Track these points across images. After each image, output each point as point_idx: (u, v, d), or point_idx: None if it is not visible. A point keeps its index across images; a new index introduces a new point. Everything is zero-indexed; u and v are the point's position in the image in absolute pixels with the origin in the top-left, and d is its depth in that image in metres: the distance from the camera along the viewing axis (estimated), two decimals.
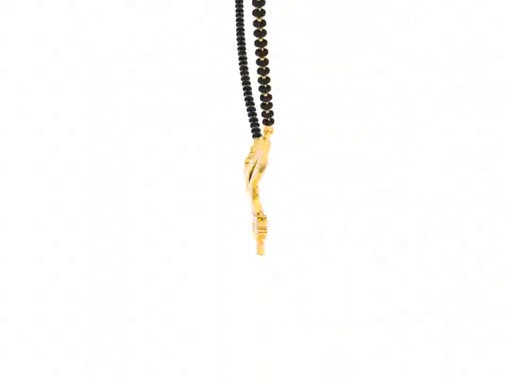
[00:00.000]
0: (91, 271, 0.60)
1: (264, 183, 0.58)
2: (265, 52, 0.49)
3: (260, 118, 0.56)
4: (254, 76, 0.59)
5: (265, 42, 0.49)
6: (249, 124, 0.55)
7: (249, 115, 0.56)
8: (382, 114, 0.63)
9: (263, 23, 0.48)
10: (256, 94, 0.55)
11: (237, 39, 0.57)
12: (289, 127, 0.60)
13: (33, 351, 0.59)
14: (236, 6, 0.58)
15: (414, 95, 0.62)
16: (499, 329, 0.59)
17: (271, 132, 0.53)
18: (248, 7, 0.47)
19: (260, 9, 0.49)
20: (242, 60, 0.57)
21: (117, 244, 0.61)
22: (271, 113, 0.52)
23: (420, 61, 0.62)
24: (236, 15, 0.58)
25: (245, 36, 0.58)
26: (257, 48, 0.49)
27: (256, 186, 0.58)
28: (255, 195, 0.58)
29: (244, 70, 0.57)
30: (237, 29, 0.58)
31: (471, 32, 0.62)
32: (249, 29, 0.54)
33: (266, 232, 0.59)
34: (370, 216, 0.61)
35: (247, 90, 0.56)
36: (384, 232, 0.60)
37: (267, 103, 0.52)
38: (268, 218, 0.59)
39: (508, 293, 0.59)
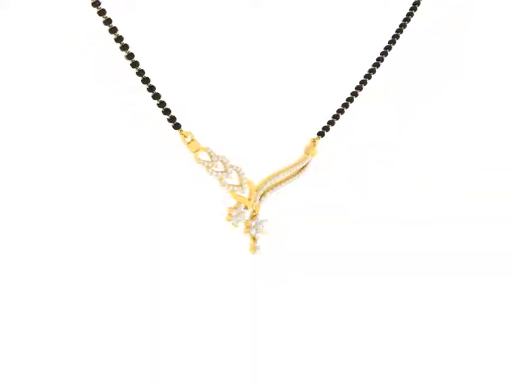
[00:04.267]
0: (80, 271, 0.60)
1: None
2: None
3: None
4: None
5: None
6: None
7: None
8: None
9: None
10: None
11: None
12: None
13: (33, 351, 0.59)
14: None
15: None
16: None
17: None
18: None
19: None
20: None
21: (108, 244, 0.60)
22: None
23: None
24: None
25: None
26: None
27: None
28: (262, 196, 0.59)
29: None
30: None
31: None
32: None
33: (266, 232, 0.59)
34: (367, 211, 0.61)
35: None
36: (382, 230, 0.60)
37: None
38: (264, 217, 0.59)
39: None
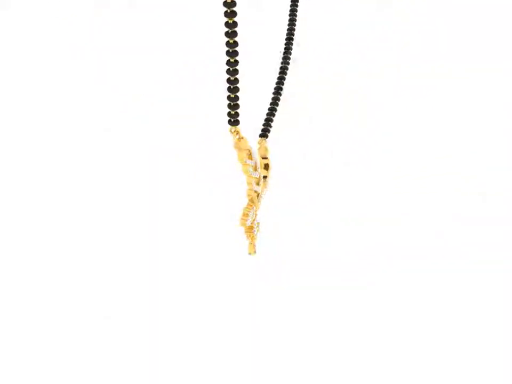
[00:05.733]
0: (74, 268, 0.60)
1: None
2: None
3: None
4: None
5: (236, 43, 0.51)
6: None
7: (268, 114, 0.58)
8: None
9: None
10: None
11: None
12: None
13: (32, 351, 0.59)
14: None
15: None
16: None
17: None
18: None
19: (230, 10, 0.50)
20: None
21: (104, 243, 0.60)
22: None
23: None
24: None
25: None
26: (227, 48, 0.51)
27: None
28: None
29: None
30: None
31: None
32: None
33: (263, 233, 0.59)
34: (358, 211, 0.61)
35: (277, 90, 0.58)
36: (375, 231, 0.61)
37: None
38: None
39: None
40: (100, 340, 0.59)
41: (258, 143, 0.61)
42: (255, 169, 0.58)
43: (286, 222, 0.61)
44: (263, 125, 0.62)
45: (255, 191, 0.58)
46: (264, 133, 0.62)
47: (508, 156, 0.62)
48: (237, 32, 0.53)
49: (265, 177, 0.60)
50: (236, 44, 0.54)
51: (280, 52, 0.63)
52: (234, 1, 0.51)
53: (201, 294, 0.59)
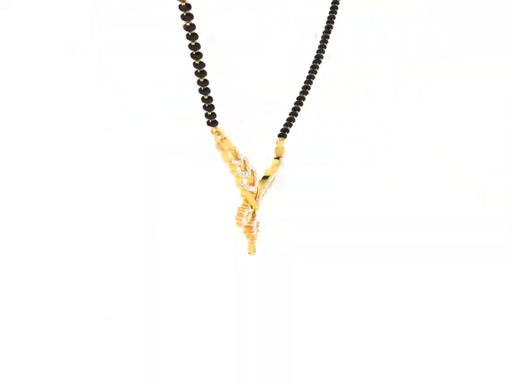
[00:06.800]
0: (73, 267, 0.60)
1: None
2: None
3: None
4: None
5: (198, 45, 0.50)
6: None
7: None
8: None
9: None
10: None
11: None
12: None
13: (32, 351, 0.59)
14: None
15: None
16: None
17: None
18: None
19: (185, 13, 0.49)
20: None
21: (104, 243, 0.60)
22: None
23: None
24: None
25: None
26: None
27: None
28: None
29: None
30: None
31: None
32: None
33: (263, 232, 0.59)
34: (359, 212, 0.61)
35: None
36: (373, 232, 0.61)
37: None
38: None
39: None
40: (100, 340, 0.59)
41: (276, 142, 0.61)
42: (245, 169, 0.57)
43: (286, 222, 0.61)
44: (284, 124, 0.62)
45: (251, 191, 0.58)
46: (283, 133, 0.62)
47: (508, 155, 0.62)
48: (198, 34, 0.52)
49: (266, 177, 0.60)
50: (198, 46, 0.53)
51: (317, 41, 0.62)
52: (189, 4, 0.50)
53: (201, 294, 0.59)
